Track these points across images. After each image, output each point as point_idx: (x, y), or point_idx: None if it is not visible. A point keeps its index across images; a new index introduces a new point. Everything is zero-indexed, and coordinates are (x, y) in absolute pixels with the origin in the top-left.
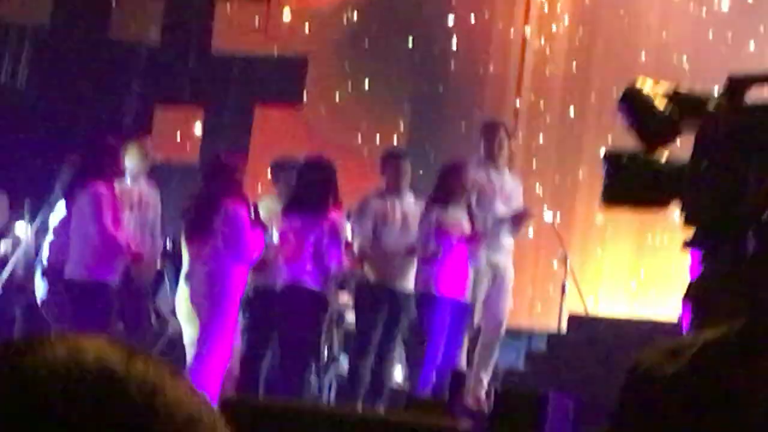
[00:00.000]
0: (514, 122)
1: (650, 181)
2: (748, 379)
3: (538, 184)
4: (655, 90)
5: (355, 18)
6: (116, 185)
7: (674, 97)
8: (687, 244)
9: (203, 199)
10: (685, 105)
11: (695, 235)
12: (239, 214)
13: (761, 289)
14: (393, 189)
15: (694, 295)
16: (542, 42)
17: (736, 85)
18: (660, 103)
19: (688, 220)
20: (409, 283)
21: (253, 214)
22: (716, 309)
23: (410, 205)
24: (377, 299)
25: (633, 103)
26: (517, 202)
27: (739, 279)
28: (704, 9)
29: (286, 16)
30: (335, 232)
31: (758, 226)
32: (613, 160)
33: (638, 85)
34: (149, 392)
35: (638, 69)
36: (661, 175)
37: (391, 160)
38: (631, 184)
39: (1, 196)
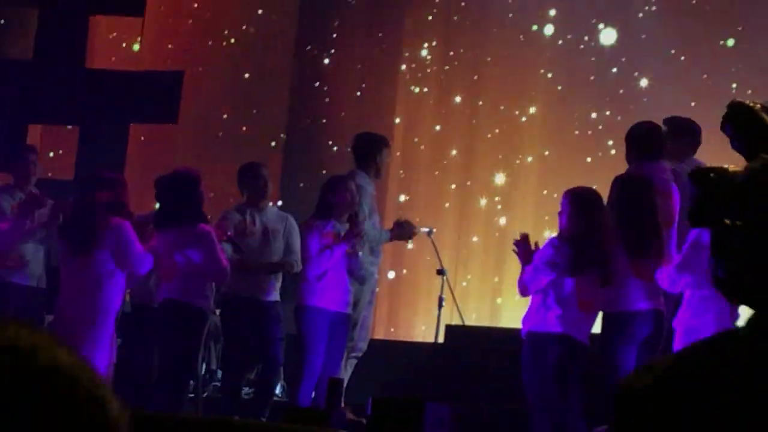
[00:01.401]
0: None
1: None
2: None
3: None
4: (756, 105)
5: (233, 39)
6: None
7: None
8: None
9: (88, 215)
10: None
11: None
12: (128, 232)
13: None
14: (252, 202)
15: None
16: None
17: None
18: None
19: None
20: (273, 293)
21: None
22: None
23: (272, 216)
24: (241, 311)
25: (738, 118)
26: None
27: None
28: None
29: (163, 33)
30: (208, 243)
31: None
32: (702, 178)
33: (741, 101)
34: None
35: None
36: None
37: (249, 173)
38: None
39: None
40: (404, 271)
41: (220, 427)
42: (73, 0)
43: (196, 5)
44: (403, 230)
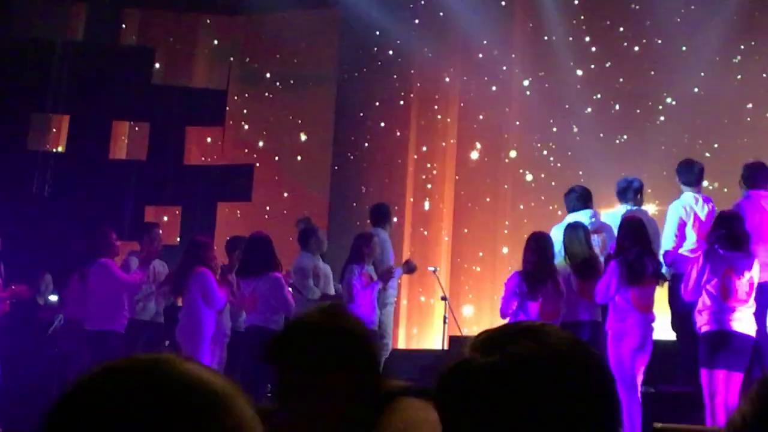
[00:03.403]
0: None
1: None
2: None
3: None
4: None
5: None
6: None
7: None
8: None
9: (181, 267)
10: None
11: None
12: (209, 279)
13: None
14: (314, 252)
15: None
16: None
17: None
18: None
19: None
20: None
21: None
22: None
23: (323, 264)
24: None
25: None
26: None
27: None
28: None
29: (238, 135)
30: (279, 286)
31: None
32: None
33: None
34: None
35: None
36: None
37: (315, 232)
38: None
39: (47, 275)
40: (404, 301)
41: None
42: (174, 116)
43: (245, 111)
44: (409, 266)
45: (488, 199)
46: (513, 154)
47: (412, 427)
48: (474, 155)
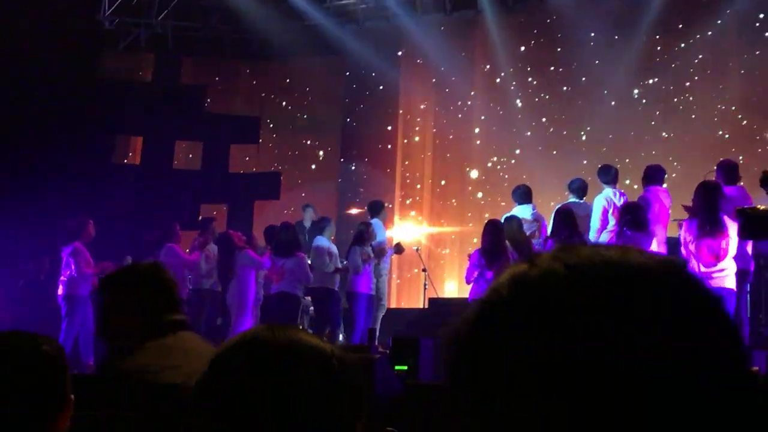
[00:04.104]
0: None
1: None
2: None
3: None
4: None
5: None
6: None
7: None
8: None
9: (222, 256)
10: None
11: None
12: (249, 254)
13: None
14: (328, 238)
15: None
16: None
17: None
18: None
19: None
20: (337, 285)
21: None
22: None
23: (333, 246)
24: (328, 296)
25: None
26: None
27: None
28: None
29: (269, 151)
30: (304, 263)
31: None
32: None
33: None
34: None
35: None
36: None
37: (324, 224)
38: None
39: (128, 256)
40: (394, 276)
41: None
42: (221, 136)
43: (274, 135)
44: (398, 248)
45: (454, 201)
46: (474, 165)
47: (191, 349)
48: (445, 166)
